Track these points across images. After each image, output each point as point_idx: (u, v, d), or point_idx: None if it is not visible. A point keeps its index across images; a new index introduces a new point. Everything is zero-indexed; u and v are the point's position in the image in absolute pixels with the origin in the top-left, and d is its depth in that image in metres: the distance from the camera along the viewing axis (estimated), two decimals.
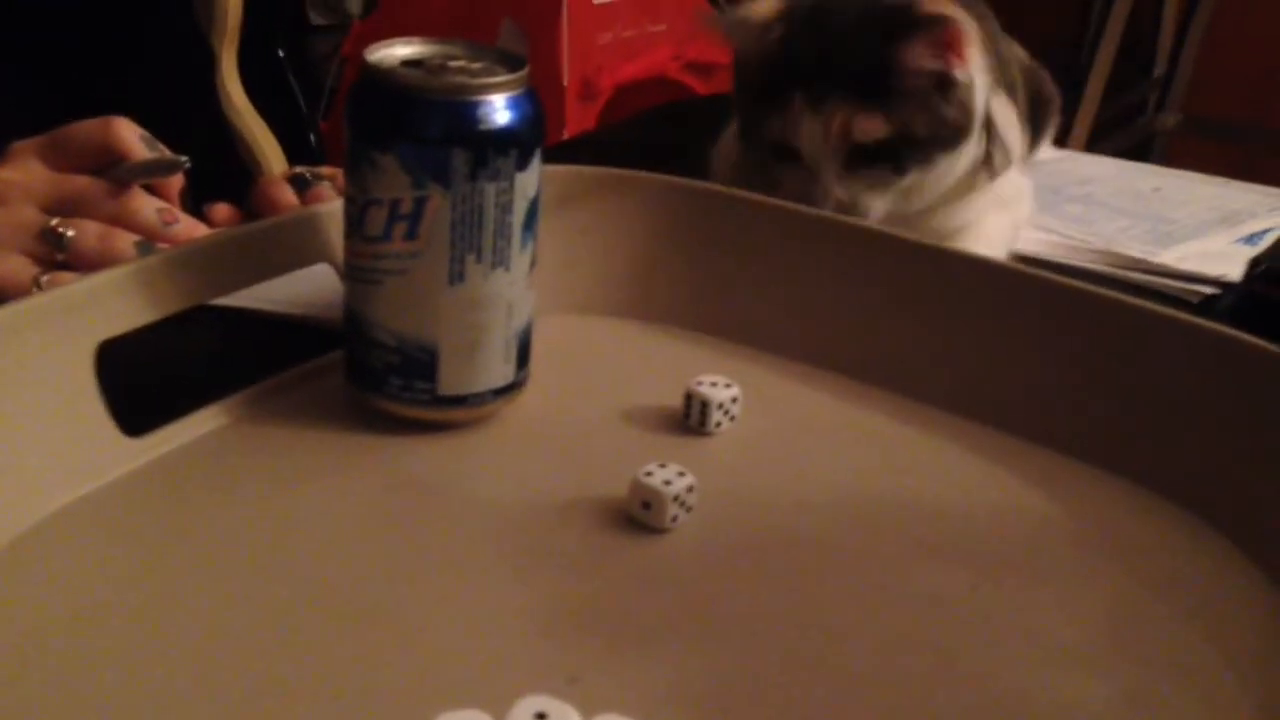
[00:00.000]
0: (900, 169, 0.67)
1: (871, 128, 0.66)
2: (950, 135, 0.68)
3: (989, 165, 0.71)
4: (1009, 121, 0.72)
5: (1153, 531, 0.50)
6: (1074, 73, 1.96)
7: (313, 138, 1.18)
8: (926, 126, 0.66)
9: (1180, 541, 0.50)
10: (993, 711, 0.40)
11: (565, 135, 1.57)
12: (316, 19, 1.37)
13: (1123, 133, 2.20)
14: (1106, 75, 1.99)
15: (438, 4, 1.73)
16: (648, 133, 1.04)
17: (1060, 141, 0.91)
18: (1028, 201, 0.76)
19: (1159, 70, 2.35)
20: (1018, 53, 0.78)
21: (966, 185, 0.70)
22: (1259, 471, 0.49)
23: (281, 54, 1.15)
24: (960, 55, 0.65)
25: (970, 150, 0.69)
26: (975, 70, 0.67)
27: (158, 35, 0.93)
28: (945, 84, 0.66)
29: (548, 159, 0.51)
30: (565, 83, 1.68)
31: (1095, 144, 1.96)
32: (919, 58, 0.65)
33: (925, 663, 0.42)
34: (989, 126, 0.70)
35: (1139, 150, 2.25)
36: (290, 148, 1.08)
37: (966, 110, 0.68)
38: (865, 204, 0.68)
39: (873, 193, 0.68)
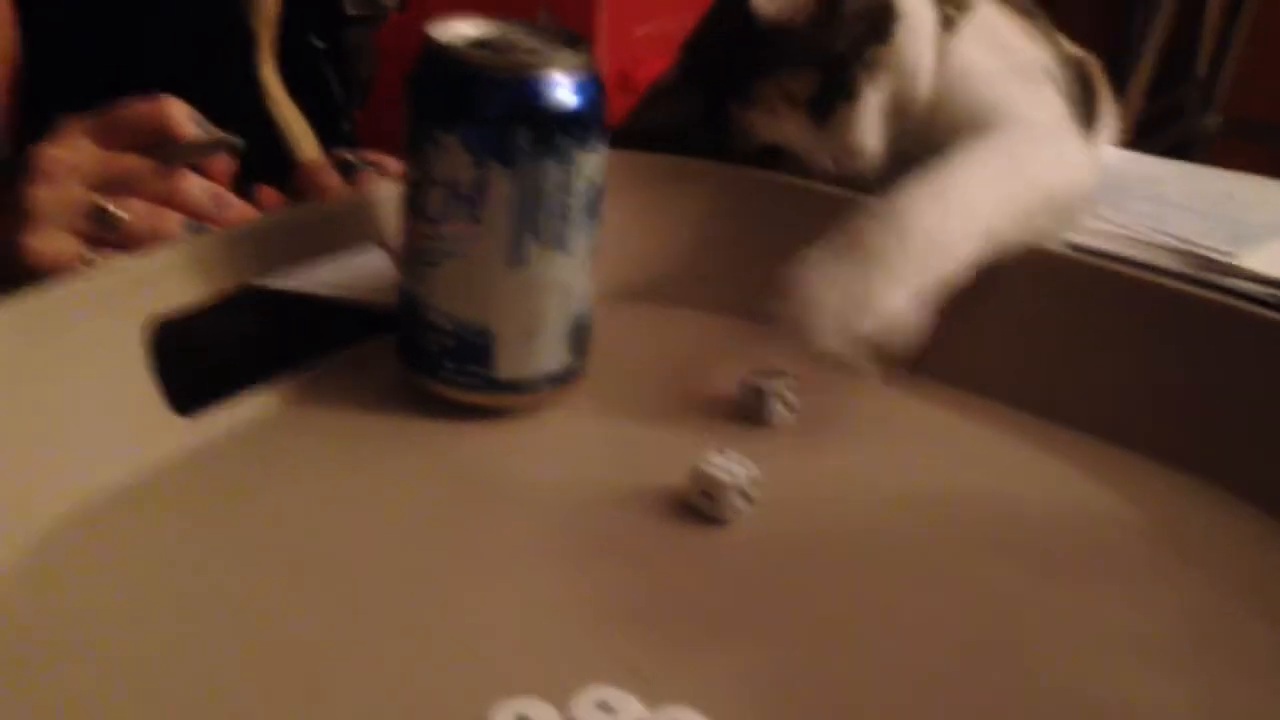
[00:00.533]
0: (850, 93, 0.64)
1: (801, 85, 0.64)
2: (876, 26, 0.64)
3: (947, 23, 0.67)
4: None
5: (1229, 531, 0.49)
6: (1116, 74, 1.93)
7: (346, 127, 1.18)
8: (846, 37, 0.63)
9: (1257, 542, 0.48)
10: (1065, 707, 0.39)
11: None
12: (352, 9, 1.36)
13: (1165, 133, 2.18)
14: (1149, 76, 1.97)
15: None
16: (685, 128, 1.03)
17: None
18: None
19: (1201, 72, 2.32)
20: (1065, 45, 0.77)
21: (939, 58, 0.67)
22: None
23: (317, 44, 1.15)
24: None
25: (916, 23, 0.65)
26: None
27: (202, 21, 0.93)
28: None
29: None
30: (603, 74, 1.67)
31: (1136, 145, 1.93)
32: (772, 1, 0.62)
33: (994, 660, 0.41)
34: None
35: (1180, 152, 2.22)
36: (324, 137, 1.08)
37: None
38: (856, 143, 0.65)
39: (851, 130, 0.65)
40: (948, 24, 0.68)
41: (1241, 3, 2.24)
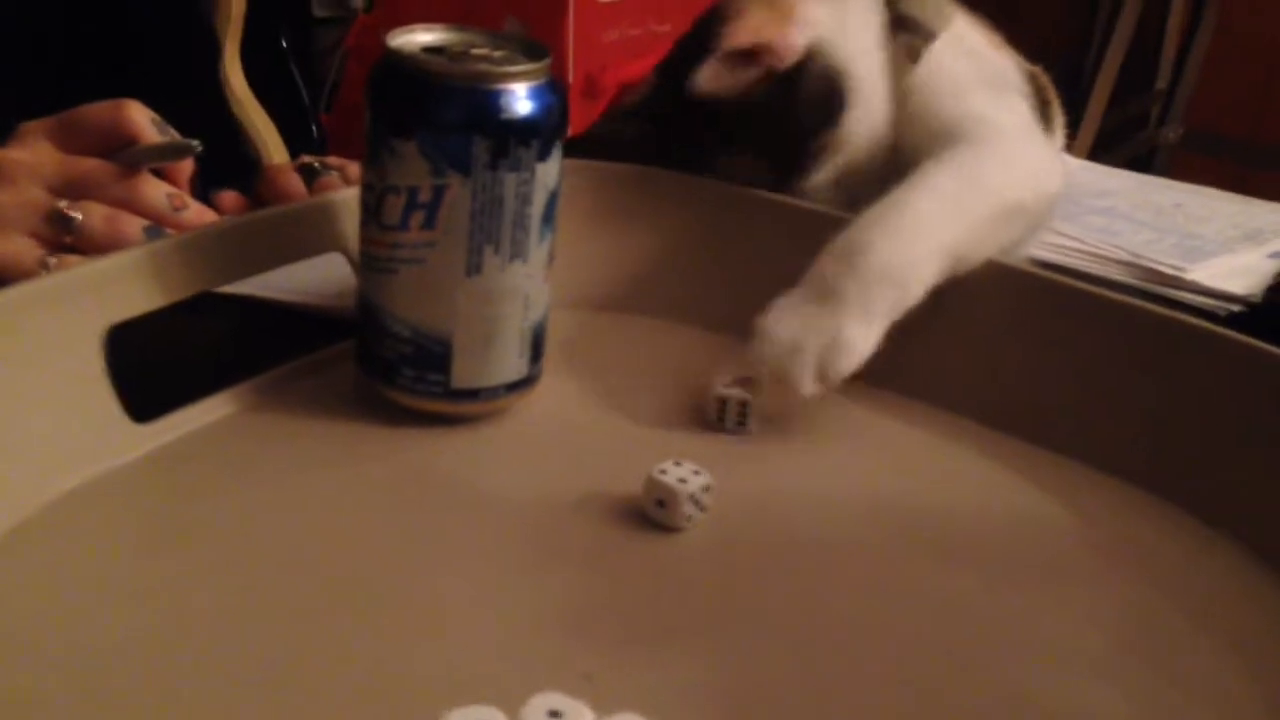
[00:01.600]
0: (804, 173, 0.64)
1: (750, 170, 0.63)
2: (827, 114, 0.63)
3: (911, 54, 0.66)
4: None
5: (1168, 540, 0.50)
6: (1077, 84, 1.96)
7: (314, 130, 1.17)
8: (796, 124, 0.63)
9: (1196, 551, 0.49)
10: (1006, 712, 0.40)
11: (570, 133, 1.56)
12: (320, 11, 1.36)
13: (1125, 145, 2.20)
14: (1109, 88, 1.99)
15: None
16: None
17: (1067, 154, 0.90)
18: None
19: (1161, 83, 2.35)
20: (1016, 58, 0.78)
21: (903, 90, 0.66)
22: (1271, 478, 0.49)
23: (285, 45, 1.14)
24: (778, 41, 0.61)
25: (869, 100, 0.65)
26: (817, 28, 0.62)
27: (164, 23, 0.92)
28: (785, 79, 0.62)
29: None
30: (570, 80, 1.67)
31: (1097, 156, 1.95)
32: (717, 80, 0.60)
33: (937, 665, 0.41)
34: (898, 23, 0.66)
35: (1141, 163, 2.25)
36: (291, 139, 1.08)
37: (831, 76, 0.63)
38: (811, 199, 0.65)
39: (806, 193, 0.65)
40: (913, 55, 0.69)
41: (1201, 16, 2.27)
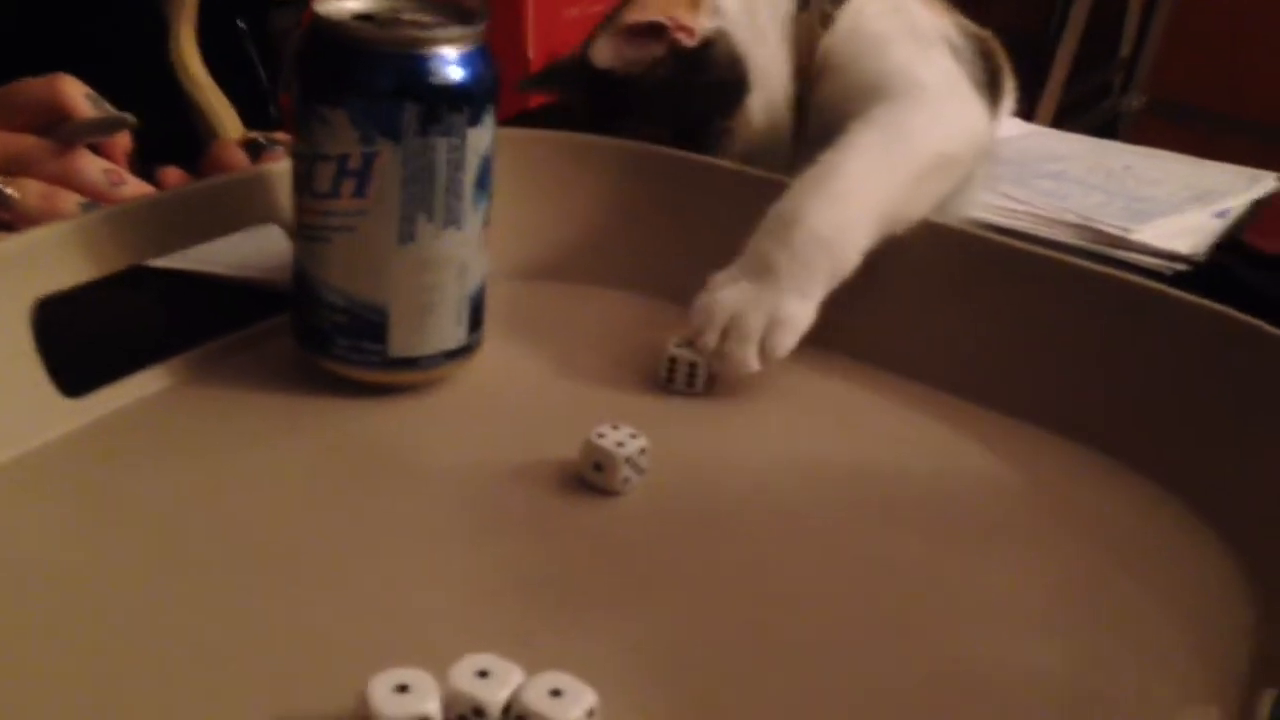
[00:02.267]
0: (709, 150, 0.65)
1: (654, 137, 0.64)
2: (725, 102, 0.65)
3: (824, 20, 0.67)
4: None
5: (1111, 498, 0.50)
6: (1040, 53, 1.96)
7: (273, 110, 1.16)
8: (695, 107, 0.64)
9: (1138, 508, 0.49)
10: (946, 673, 0.40)
11: (529, 106, 1.55)
12: None
13: (1088, 114, 2.21)
14: (1072, 56, 2.00)
15: None
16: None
17: (1025, 121, 0.91)
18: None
19: (1124, 52, 2.35)
20: (963, 21, 0.77)
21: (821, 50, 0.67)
22: (1218, 438, 0.49)
23: (242, 25, 1.13)
24: (678, 22, 0.62)
25: (766, 84, 0.66)
26: (723, 14, 0.63)
27: (109, 4, 0.91)
28: (685, 58, 0.63)
29: (511, 127, 0.50)
30: (530, 56, 1.67)
31: (1060, 124, 1.95)
32: (614, 51, 0.63)
33: (877, 626, 0.41)
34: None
35: (1104, 131, 2.25)
36: (250, 120, 1.07)
37: (731, 63, 0.64)
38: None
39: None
40: (824, 22, 0.68)
41: None
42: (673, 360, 0.54)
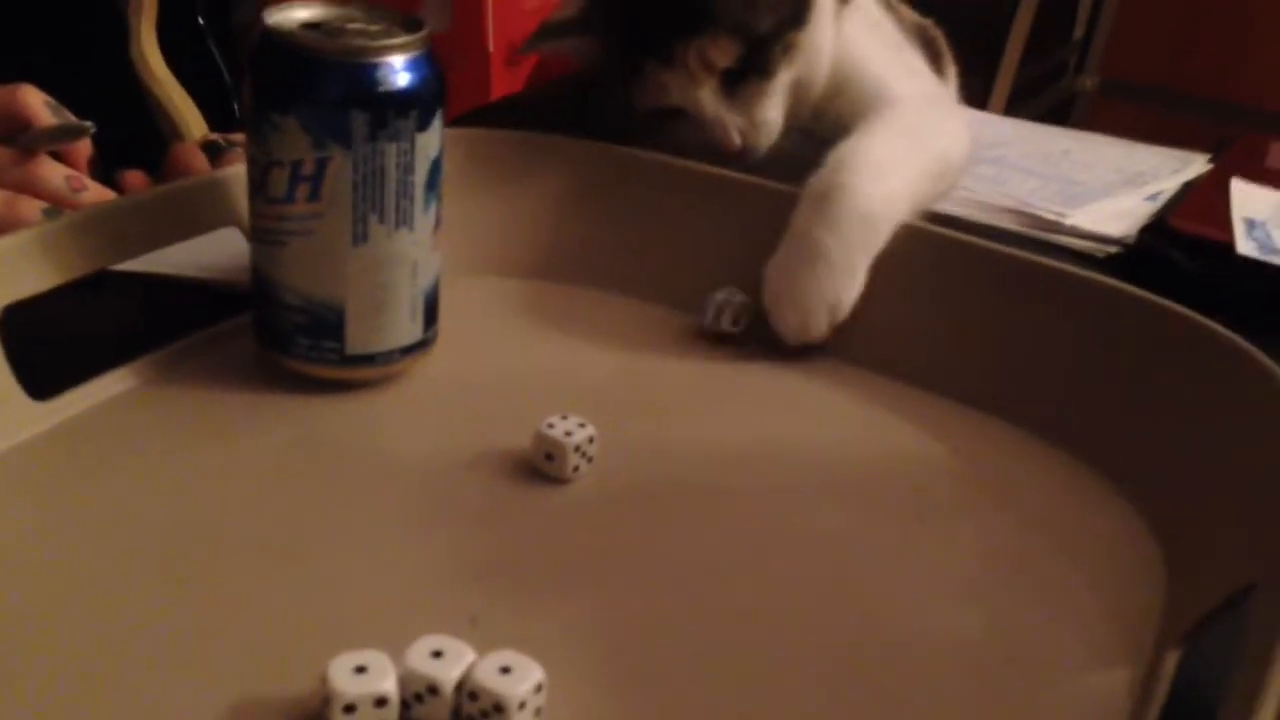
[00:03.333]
0: (767, 71, 0.67)
1: (723, 53, 0.66)
2: (796, 11, 0.67)
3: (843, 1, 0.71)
4: None
5: (1030, 470, 0.52)
6: (994, 35, 1.98)
7: (236, 107, 1.17)
8: (769, 18, 0.66)
9: (1056, 480, 0.52)
10: (874, 641, 0.42)
11: (492, 97, 1.56)
12: None
13: (1042, 95, 2.24)
14: (1025, 38, 2.02)
15: None
16: (575, 96, 1.04)
17: (980, 103, 0.93)
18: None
19: (1078, 33, 2.38)
20: (906, 12, 0.80)
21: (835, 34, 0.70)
22: (1133, 412, 0.52)
23: (203, 22, 1.14)
24: None
25: (825, 13, 0.69)
26: None
27: (68, 5, 0.92)
28: None
29: (473, 121, 0.52)
30: (491, 48, 1.68)
31: (1015, 106, 1.99)
32: None
33: (814, 598, 0.44)
34: None
35: (1059, 112, 2.29)
36: (214, 117, 1.08)
37: None
38: (761, 119, 0.68)
39: (760, 106, 0.68)
40: (841, 1, 0.71)
41: None
42: (720, 305, 0.60)
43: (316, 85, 0.48)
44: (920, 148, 0.64)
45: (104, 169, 0.71)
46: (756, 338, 0.60)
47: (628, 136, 0.68)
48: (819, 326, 0.58)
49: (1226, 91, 2.34)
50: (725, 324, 0.60)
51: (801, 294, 0.58)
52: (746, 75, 0.67)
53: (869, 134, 0.62)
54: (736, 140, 0.68)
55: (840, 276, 0.58)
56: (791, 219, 0.59)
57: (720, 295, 0.60)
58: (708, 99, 0.68)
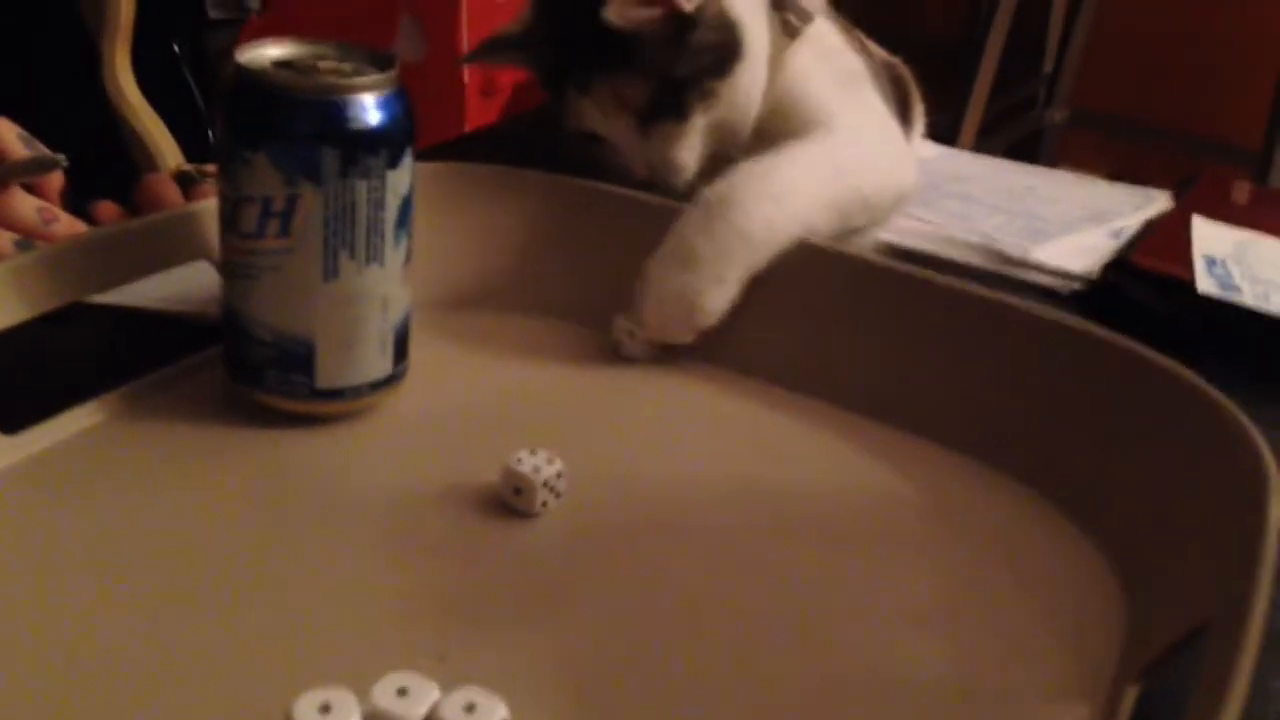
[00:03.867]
0: (681, 114, 0.68)
1: (634, 93, 0.68)
2: (718, 61, 0.68)
3: (788, 29, 0.71)
4: None
5: (994, 507, 0.53)
6: (963, 68, 2.01)
7: (211, 134, 1.17)
8: (685, 66, 0.67)
9: (1020, 517, 0.52)
10: (842, 673, 0.43)
11: (466, 128, 1.57)
12: (215, 13, 1.36)
13: (1012, 127, 2.26)
14: (995, 71, 2.05)
15: None
16: (548, 127, 1.05)
17: (950, 136, 0.94)
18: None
19: (1047, 66, 2.41)
20: (875, 49, 0.81)
21: (776, 66, 0.71)
22: (1095, 451, 0.52)
23: (177, 49, 1.14)
24: None
25: (755, 61, 0.69)
26: None
27: (40, 34, 0.92)
28: (682, 20, 0.66)
29: (447, 152, 0.53)
30: (466, 79, 1.69)
31: (985, 138, 2.01)
32: (625, 12, 0.64)
33: (778, 632, 0.44)
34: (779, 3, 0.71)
35: (1028, 144, 2.31)
36: (188, 144, 1.08)
37: (726, 27, 0.68)
38: (675, 160, 0.69)
39: (673, 146, 0.69)
40: (788, 30, 0.72)
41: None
42: (623, 332, 0.61)
43: (288, 122, 0.48)
44: (832, 179, 0.65)
45: (75, 199, 0.71)
46: (738, 369, 0.61)
47: (596, 167, 0.69)
48: (679, 326, 0.60)
49: (1194, 125, 2.37)
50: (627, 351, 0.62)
51: (667, 293, 0.60)
52: (661, 116, 0.68)
53: (781, 155, 0.64)
54: (644, 173, 0.69)
55: (708, 283, 0.59)
56: (678, 222, 0.61)
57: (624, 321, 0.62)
58: (621, 132, 0.69)
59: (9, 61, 0.88)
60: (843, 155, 0.67)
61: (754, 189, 0.61)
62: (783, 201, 0.61)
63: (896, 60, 0.83)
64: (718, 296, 0.60)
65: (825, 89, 0.72)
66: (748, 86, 0.70)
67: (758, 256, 0.60)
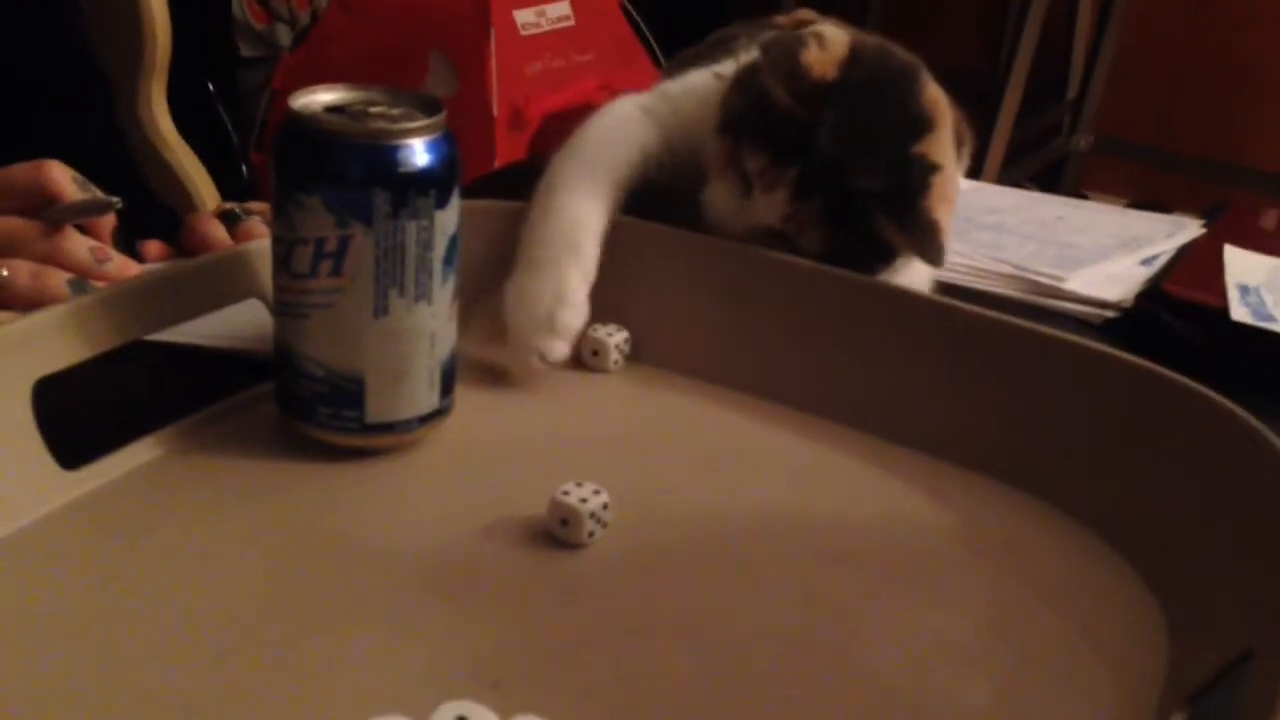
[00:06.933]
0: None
1: (753, 163, 0.63)
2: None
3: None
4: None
5: (1034, 535, 0.54)
6: (987, 96, 2.02)
7: (245, 169, 1.19)
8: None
9: (1060, 545, 0.53)
10: (885, 703, 0.43)
11: (497, 164, 1.59)
12: (246, 51, 1.38)
13: (1036, 154, 2.27)
14: (1020, 98, 2.06)
15: (365, 37, 1.75)
16: None
17: (976, 163, 0.94)
18: None
19: (1071, 93, 2.42)
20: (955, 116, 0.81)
21: None
22: (1133, 478, 0.53)
23: (211, 86, 1.16)
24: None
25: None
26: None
27: (51, 73, 0.93)
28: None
29: (479, 187, 0.54)
30: (495, 113, 1.70)
31: (1010, 166, 2.02)
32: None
33: (822, 661, 0.45)
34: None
35: (1053, 171, 2.32)
36: (222, 180, 1.10)
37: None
38: (764, 228, 0.65)
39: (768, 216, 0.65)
40: None
41: (1107, 26, 2.35)
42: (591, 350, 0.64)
43: (340, 166, 0.50)
44: None
45: (124, 240, 0.73)
46: (777, 400, 0.61)
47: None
48: (528, 342, 0.61)
49: (1218, 151, 2.37)
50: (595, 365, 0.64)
51: (521, 306, 0.61)
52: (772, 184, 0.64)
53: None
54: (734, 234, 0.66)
55: (559, 299, 0.61)
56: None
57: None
58: (720, 193, 0.65)
59: (21, 99, 0.90)
60: None
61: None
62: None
63: (960, 116, 0.83)
64: (570, 313, 0.61)
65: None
66: None
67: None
